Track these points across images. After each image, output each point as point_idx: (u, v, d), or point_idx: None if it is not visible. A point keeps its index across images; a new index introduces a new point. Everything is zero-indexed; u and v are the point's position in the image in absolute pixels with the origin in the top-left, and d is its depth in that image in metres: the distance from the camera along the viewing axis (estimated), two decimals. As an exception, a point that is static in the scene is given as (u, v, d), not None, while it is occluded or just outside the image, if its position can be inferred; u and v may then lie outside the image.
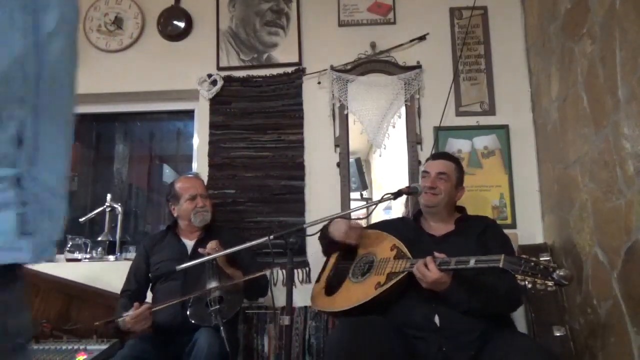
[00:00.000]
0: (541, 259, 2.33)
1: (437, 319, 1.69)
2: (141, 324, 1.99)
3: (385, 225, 2.09)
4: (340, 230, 1.94)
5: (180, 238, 2.34)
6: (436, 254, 1.67)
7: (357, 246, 2.00)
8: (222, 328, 1.87)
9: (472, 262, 1.57)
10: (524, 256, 1.46)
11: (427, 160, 2.14)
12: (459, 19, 2.90)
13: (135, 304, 2.01)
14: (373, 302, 1.73)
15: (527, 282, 1.39)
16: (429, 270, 1.62)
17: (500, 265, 1.48)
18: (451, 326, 1.67)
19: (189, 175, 2.51)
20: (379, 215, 2.78)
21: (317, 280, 2.10)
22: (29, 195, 0.60)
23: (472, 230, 1.91)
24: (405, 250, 1.80)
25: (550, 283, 1.36)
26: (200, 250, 2.14)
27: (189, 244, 2.31)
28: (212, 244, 2.11)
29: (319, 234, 2.03)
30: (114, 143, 3.44)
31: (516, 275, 1.42)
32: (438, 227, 1.97)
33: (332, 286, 1.95)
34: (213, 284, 2.03)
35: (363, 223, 2.20)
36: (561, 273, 1.36)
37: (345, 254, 2.02)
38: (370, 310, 1.73)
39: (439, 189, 1.94)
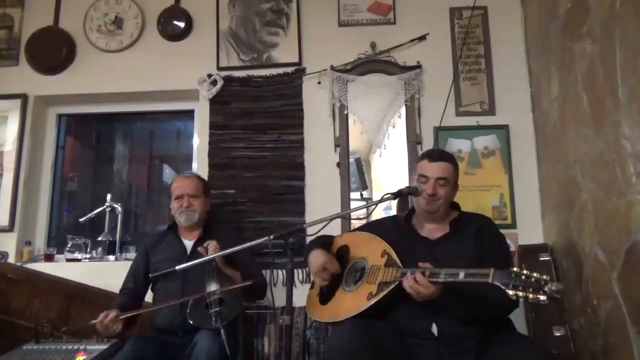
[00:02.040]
0: (540, 258, 2.38)
1: (434, 329, 1.67)
2: (108, 332, 1.99)
3: (376, 227, 2.04)
4: (314, 267, 1.89)
5: (181, 238, 2.34)
6: (420, 264, 1.63)
7: (348, 249, 1.97)
8: (222, 331, 1.87)
9: (461, 276, 1.52)
10: (514, 269, 1.40)
11: (422, 159, 1.95)
12: (459, 19, 2.90)
13: (103, 313, 2.00)
14: (366, 312, 1.71)
15: (518, 297, 1.35)
16: (420, 286, 1.57)
17: (490, 280, 1.43)
18: (449, 334, 1.65)
19: (183, 175, 2.54)
20: (379, 215, 2.78)
21: (312, 287, 2.08)
22: None
23: (467, 232, 1.85)
24: (395, 257, 1.76)
25: (542, 297, 1.31)
26: (199, 249, 2.14)
27: (189, 244, 2.31)
28: (211, 245, 2.11)
29: (304, 252, 2.00)
30: (114, 143, 3.44)
31: (507, 290, 1.37)
32: (432, 230, 1.91)
33: (325, 293, 1.93)
34: (213, 286, 2.03)
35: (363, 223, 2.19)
36: (553, 287, 1.31)
37: (337, 258, 1.99)
38: (366, 317, 1.71)
39: (439, 195, 1.85)
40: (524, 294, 1.34)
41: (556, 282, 1.33)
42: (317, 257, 1.88)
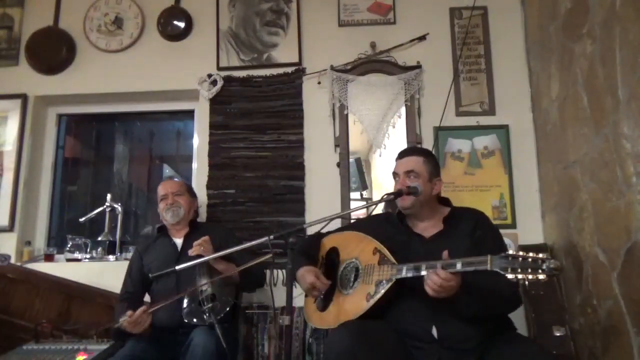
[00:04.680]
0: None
1: (434, 331, 1.65)
2: (138, 327, 1.99)
3: (366, 224, 2.02)
4: (304, 288, 1.87)
5: (171, 238, 2.38)
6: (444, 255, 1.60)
7: (338, 251, 1.96)
8: (216, 325, 1.89)
9: (458, 266, 1.52)
10: (510, 252, 1.42)
11: (396, 159, 1.97)
12: (459, 19, 2.90)
13: (129, 312, 2.00)
14: (367, 313, 1.70)
15: (518, 280, 1.37)
16: (443, 279, 1.52)
17: (488, 267, 1.44)
18: (450, 336, 1.64)
19: (165, 179, 2.64)
20: (379, 215, 2.78)
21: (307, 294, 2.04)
22: None
23: (462, 229, 1.83)
24: (387, 254, 1.75)
25: (541, 276, 1.35)
26: (189, 252, 2.12)
27: (179, 242, 2.35)
28: (200, 241, 2.11)
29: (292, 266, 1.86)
30: (114, 143, 3.44)
31: (506, 275, 1.39)
32: (425, 227, 1.88)
33: (323, 298, 1.90)
34: (203, 282, 2.05)
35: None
36: (551, 265, 1.34)
37: (328, 260, 1.98)
38: (366, 318, 1.70)
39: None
40: (524, 275, 1.36)
41: (553, 260, 1.35)
42: (304, 278, 1.85)
